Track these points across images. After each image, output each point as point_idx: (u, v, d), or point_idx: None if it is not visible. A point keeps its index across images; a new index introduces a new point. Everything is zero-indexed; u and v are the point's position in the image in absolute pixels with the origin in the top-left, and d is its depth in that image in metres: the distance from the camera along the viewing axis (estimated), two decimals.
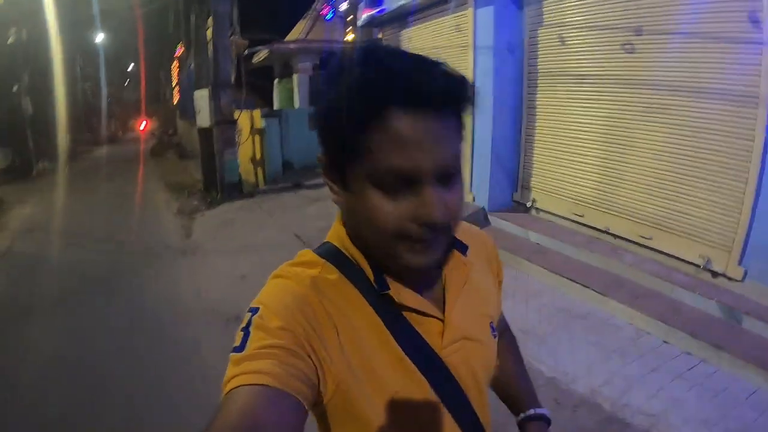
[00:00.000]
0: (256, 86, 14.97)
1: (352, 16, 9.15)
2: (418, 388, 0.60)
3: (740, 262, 3.31)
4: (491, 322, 0.73)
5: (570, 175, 4.62)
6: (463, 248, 0.69)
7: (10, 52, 13.39)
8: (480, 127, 5.08)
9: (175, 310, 3.97)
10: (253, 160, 9.17)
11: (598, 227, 4.33)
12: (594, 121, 4.28)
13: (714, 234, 3.47)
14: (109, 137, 25.95)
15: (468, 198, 5.26)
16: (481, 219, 5.02)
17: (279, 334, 0.53)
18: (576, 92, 4.40)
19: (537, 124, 4.91)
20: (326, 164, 0.59)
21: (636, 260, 3.83)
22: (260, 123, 9.05)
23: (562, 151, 4.59)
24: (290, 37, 13.70)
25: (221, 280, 4.46)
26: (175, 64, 20.37)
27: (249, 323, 0.55)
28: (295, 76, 12.78)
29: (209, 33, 8.36)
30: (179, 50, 17.66)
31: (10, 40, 13.43)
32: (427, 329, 0.62)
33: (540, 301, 3.64)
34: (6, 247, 6.17)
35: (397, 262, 0.57)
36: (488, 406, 0.71)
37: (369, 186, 0.53)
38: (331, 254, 0.64)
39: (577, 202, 4.56)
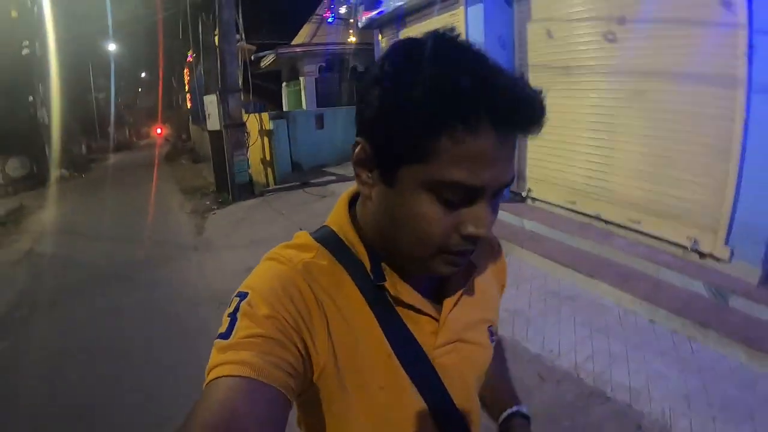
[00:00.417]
0: (266, 90, 15.27)
1: (352, 19, 9.36)
2: (402, 387, 0.59)
3: (726, 242, 3.37)
4: (490, 326, 0.71)
5: (562, 164, 4.74)
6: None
7: (25, 64, 13.79)
8: None
9: (185, 299, 4.32)
10: (263, 161, 9.46)
11: (589, 213, 4.46)
12: (582, 111, 4.40)
13: (700, 215, 3.55)
14: (123, 144, 26.54)
15: None
16: None
17: (265, 323, 0.52)
18: (564, 83, 4.53)
19: None
20: (369, 155, 0.55)
21: (625, 244, 3.95)
22: (269, 125, 9.30)
23: (555, 141, 4.72)
24: (296, 41, 13.96)
25: (229, 272, 4.73)
26: (187, 70, 20.72)
27: (237, 309, 0.53)
28: (301, 79, 13.05)
29: (217, 39, 8.64)
30: (190, 56, 17.96)
31: (24, 52, 13.87)
32: (420, 328, 0.61)
33: (531, 285, 3.77)
34: (28, 247, 6.55)
35: (424, 267, 0.57)
36: (477, 413, 0.69)
37: (423, 191, 0.51)
38: (328, 239, 0.62)
39: (569, 189, 4.69)
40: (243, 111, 8.54)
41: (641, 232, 3.98)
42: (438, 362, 0.62)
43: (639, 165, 3.97)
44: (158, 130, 26.42)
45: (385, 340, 0.58)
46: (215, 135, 8.58)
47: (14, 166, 12.44)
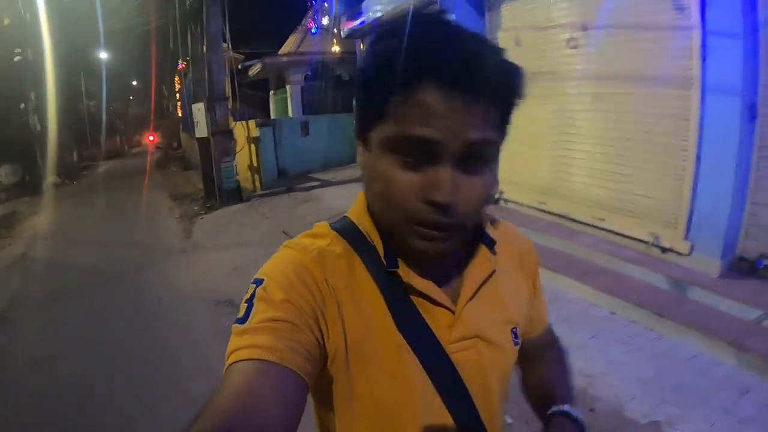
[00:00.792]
0: (254, 98, 15.42)
1: (336, 29, 9.56)
2: (413, 378, 0.58)
3: (686, 237, 3.51)
4: (514, 328, 0.68)
5: (532, 166, 4.92)
6: (490, 243, 0.66)
7: (17, 71, 13.89)
8: None
9: (173, 296, 4.52)
10: (250, 167, 9.62)
11: (558, 213, 4.64)
12: (549, 115, 4.60)
13: (660, 212, 3.70)
14: (114, 152, 26.61)
15: None
16: None
17: (282, 307, 0.52)
18: (531, 89, 4.67)
19: None
20: (357, 123, 0.59)
21: (591, 241, 4.13)
22: (256, 132, 9.46)
23: (525, 144, 4.90)
24: (283, 50, 14.16)
25: (215, 272, 4.89)
26: (177, 78, 20.78)
27: (253, 295, 0.54)
28: (288, 87, 13.24)
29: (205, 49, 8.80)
30: (180, 65, 18.02)
31: (16, 59, 13.90)
32: (436, 319, 0.60)
33: None
34: (21, 252, 6.70)
35: (403, 241, 0.56)
36: (497, 415, 0.66)
37: (386, 151, 0.53)
38: (345, 228, 0.63)
39: (539, 190, 4.88)
40: (231, 119, 8.70)
41: (606, 230, 4.15)
42: (454, 357, 0.60)
43: (602, 165, 4.14)
44: (150, 138, 26.50)
45: (395, 328, 0.58)
46: (203, 142, 8.73)
47: (6, 173, 12.62)
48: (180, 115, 20.33)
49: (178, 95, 20.79)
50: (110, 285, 5.01)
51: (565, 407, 0.68)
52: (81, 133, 22.99)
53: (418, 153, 0.51)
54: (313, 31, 13.23)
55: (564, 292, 3.63)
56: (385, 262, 0.59)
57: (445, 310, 0.60)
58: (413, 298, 0.59)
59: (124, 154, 28.26)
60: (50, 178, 14.04)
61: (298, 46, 13.64)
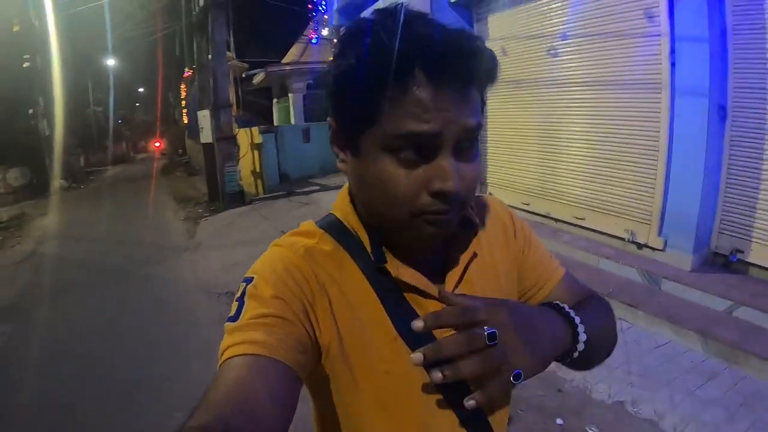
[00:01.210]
0: (259, 106, 15.74)
1: (335, 40, 9.87)
2: (409, 371, 0.56)
3: (660, 233, 3.68)
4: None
5: (517, 169, 5.17)
6: (471, 225, 0.65)
7: (26, 77, 14.12)
8: None
9: (177, 289, 4.81)
10: (253, 172, 9.89)
11: (541, 213, 4.87)
12: (531, 120, 4.84)
13: (636, 210, 3.88)
14: (120, 158, 26.81)
15: None
16: None
17: (272, 303, 0.53)
18: (515, 96, 4.98)
19: (488, 126, 5.48)
20: (336, 130, 0.58)
21: (571, 239, 4.35)
22: (258, 138, 9.79)
23: (510, 148, 5.16)
24: (285, 60, 14.49)
25: (216, 267, 5.17)
26: (183, 86, 21.06)
27: (243, 293, 0.55)
28: (290, 96, 13.59)
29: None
30: (186, 73, 18.28)
31: (25, 65, 14.16)
32: (427, 310, 0.59)
33: None
34: (31, 249, 7.00)
35: (405, 236, 0.56)
36: (498, 401, 0.64)
37: (383, 153, 0.52)
38: (332, 225, 0.63)
39: (523, 192, 5.12)
40: (235, 125, 9.01)
41: (586, 228, 4.37)
42: None
43: (581, 166, 4.36)
44: (156, 144, 26.81)
45: (390, 322, 0.58)
46: (208, 148, 9.03)
47: (15, 176, 12.75)
48: (186, 122, 20.61)
49: (183, 102, 21.06)
50: (117, 279, 5.29)
51: (560, 304, 0.61)
52: (88, 138, 23.15)
53: (419, 148, 0.51)
54: (313, 41, 13.59)
55: None
56: (372, 258, 0.59)
57: (436, 301, 0.59)
58: (403, 289, 0.59)
59: (130, 160, 28.55)
60: (57, 181, 14.30)
61: (300, 56, 13.99)
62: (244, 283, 0.56)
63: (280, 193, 9.00)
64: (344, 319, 0.57)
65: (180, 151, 21.29)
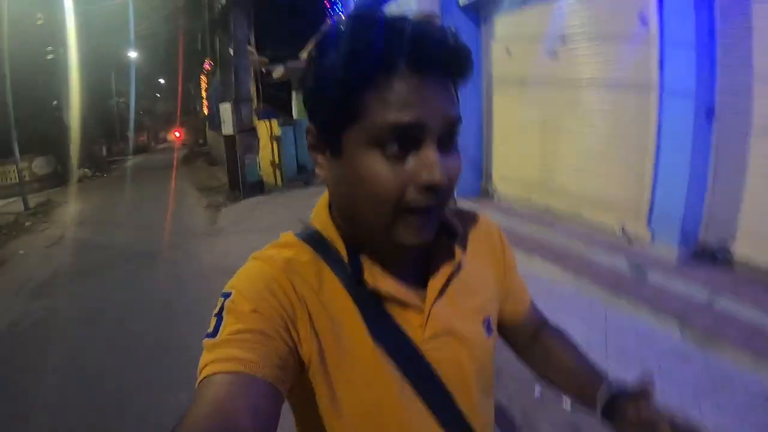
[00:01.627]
0: (278, 98, 16.06)
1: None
2: (390, 384, 0.57)
3: (648, 226, 3.84)
4: (487, 318, 0.67)
5: (520, 164, 5.43)
6: (452, 233, 0.65)
7: (49, 68, 14.66)
8: None
9: (198, 271, 5.16)
10: (272, 163, 10.32)
11: (542, 206, 5.14)
12: (533, 117, 5.10)
13: (627, 203, 4.06)
14: (141, 148, 27.44)
15: None
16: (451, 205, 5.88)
17: (250, 318, 0.52)
18: (520, 94, 5.24)
19: (494, 123, 5.77)
20: (315, 135, 0.57)
21: (566, 230, 4.58)
22: (278, 131, 10.19)
23: (514, 144, 5.41)
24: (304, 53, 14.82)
25: (236, 251, 5.51)
26: (203, 77, 21.46)
27: (222, 308, 0.54)
28: None
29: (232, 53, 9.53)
30: (207, 65, 18.56)
31: (49, 57, 14.64)
32: (409, 321, 0.59)
33: None
34: (60, 234, 7.48)
35: (389, 237, 0.54)
36: (482, 408, 0.66)
37: (366, 150, 0.51)
38: (311, 236, 0.62)
39: (526, 186, 5.38)
40: (255, 118, 9.42)
41: (581, 220, 4.62)
42: (431, 357, 0.60)
43: (578, 162, 4.62)
44: (177, 134, 27.33)
45: (368, 335, 0.57)
46: (229, 139, 9.48)
47: (40, 165, 13.22)
48: (206, 113, 20.99)
49: (204, 93, 21.44)
50: (142, 261, 5.72)
51: (612, 383, 0.70)
52: (110, 128, 23.86)
53: (403, 141, 0.50)
54: None
55: (534, 272, 4.00)
56: (349, 269, 0.58)
57: (415, 309, 0.60)
58: (386, 303, 0.59)
59: (151, 150, 29.17)
60: (81, 170, 14.85)
61: None
62: (222, 298, 0.55)
63: (298, 183, 9.43)
64: (324, 331, 0.56)
65: (200, 141, 21.71)
